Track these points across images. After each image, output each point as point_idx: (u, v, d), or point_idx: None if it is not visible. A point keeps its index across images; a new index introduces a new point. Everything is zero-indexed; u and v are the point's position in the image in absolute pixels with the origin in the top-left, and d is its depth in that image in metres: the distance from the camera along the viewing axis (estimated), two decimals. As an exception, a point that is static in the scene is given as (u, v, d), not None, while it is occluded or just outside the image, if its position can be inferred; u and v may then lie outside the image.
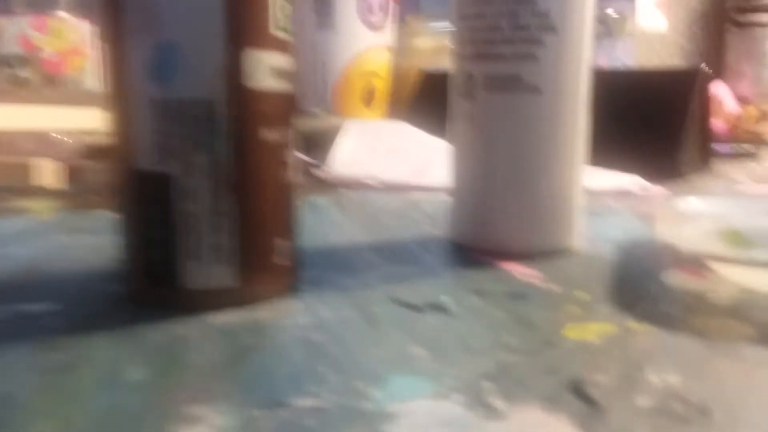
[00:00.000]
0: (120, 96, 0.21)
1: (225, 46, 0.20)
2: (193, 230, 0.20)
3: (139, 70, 0.20)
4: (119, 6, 0.20)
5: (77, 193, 0.45)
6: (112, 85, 0.21)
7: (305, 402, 0.15)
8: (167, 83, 0.20)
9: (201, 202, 0.20)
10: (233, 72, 0.20)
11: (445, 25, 0.84)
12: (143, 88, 0.20)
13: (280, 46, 0.21)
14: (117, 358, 0.17)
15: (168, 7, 0.20)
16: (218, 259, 0.21)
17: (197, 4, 0.20)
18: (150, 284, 0.21)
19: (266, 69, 0.21)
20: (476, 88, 0.28)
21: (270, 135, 0.21)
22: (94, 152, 0.60)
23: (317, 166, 0.50)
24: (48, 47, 0.73)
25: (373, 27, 0.80)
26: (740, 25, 1.50)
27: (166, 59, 0.20)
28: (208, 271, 0.21)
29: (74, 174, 0.52)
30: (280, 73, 0.22)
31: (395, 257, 0.28)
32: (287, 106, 0.22)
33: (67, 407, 0.15)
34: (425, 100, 0.70)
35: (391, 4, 0.82)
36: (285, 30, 0.22)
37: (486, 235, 0.29)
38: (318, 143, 0.56)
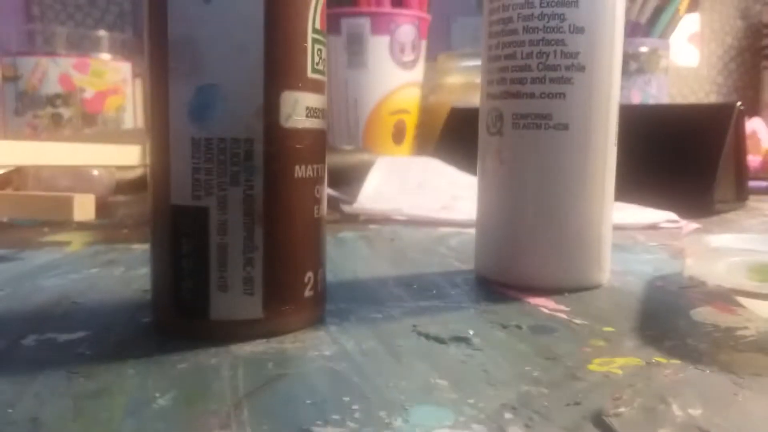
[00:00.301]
0: (160, 134, 0.21)
1: (264, 89, 0.21)
2: (224, 263, 0.21)
3: (181, 110, 0.21)
4: (163, 50, 0.21)
5: (109, 226, 0.46)
6: (153, 123, 0.22)
7: (328, 430, 0.15)
8: (208, 123, 0.21)
9: (234, 236, 0.21)
10: (271, 113, 0.21)
11: (474, 63, 0.85)
12: (184, 127, 0.21)
13: (316, 87, 0.22)
14: (145, 386, 0.18)
15: (211, 53, 0.20)
16: (248, 291, 0.21)
17: (239, 50, 0.20)
18: (179, 315, 0.21)
19: (302, 109, 0.22)
20: (505, 126, 0.29)
21: (303, 171, 0.22)
22: (127, 187, 0.61)
23: (347, 202, 0.51)
24: (89, 87, 0.75)
25: (404, 66, 0.81)
26: (776, 61, 1.48)
27: (208, 101, 0.21)
28: (237, 303, 0.21)
29: (108, 208, 0.54)
30: (315, 112, 0.22)
31: (421, 291, 0.28)
32: (320, 144, 0.23)
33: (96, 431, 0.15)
34: (454, 135, 0.70)
35: (423, 43, 0.83)
36: (320, 72, 0.22)
37: (513, 271, 0.29)
38: (348, 179, 0.56)
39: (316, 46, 0.22)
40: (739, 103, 0.57)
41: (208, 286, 0.21)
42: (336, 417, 0.16)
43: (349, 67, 0.79)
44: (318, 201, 0.23)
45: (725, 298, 0.26)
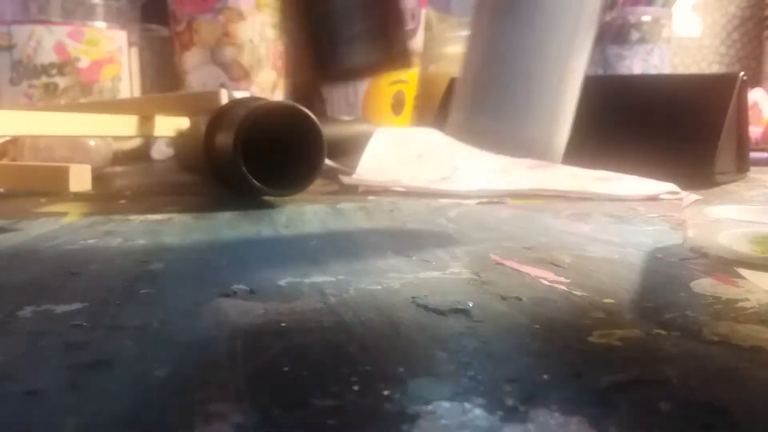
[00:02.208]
0: None
1: None
2: (346, 24, 0.29)
3: None
4: None
5: (107, 197, 0.45)
6: None
7: (327, 402, 0.15)
8: None
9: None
10: None
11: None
12: None
13: None
14: (143, 357, 0.18)
15: None
16: (365, 43, 0.29)
17: None
18: (319, 66, 0.30)
19: None
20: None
21: None
22: (124, 157, 0.61)
23: (345, 173, 0.51)
24: (84, 56, 0.74)
25: (403, 35, 0.80)
26: (779, 31, 1.47)
27: None
28: (358, 52, 0.29)
29: (105, 179, 0.53)
30: None
31: (420, 262, 0.28)
32: None
33: (93, 403, 0.15)
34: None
35: (422, 12, 0.82)
36: None
37: (480, 127, 0.30)
38: (347, 150, 0.56)
39: None
40: (742, 74, 0.56)
41: (337, 42, 0.30)
42: (335, 389, 0.16)
43: (348, 37, 0.78)
44: None
45: (726, 269, 0.26)
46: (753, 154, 0.62)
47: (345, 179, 0.50)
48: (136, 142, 0.63)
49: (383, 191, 0.49)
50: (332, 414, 0.15)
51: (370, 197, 0.46)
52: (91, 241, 0.32)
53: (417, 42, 0.82)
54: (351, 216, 0.39)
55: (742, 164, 0.59)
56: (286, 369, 0.17)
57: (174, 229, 0.35)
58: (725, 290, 0.24)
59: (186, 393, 0.16)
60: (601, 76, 0.85)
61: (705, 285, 0.25)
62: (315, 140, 0.42)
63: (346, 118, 0.73)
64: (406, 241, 0.32)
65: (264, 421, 0.14)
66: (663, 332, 0.20)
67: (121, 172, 0.59)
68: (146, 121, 0.47)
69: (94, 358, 0.18)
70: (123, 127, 0.45)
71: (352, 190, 0.49)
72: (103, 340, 0.19)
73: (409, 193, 0.48)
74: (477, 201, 0.43)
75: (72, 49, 0.73)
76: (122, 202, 0.44)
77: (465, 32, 0.85)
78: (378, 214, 0.40)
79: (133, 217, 0.38)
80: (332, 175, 0.51)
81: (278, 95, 0.82)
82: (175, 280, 0.25)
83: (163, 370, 0.17)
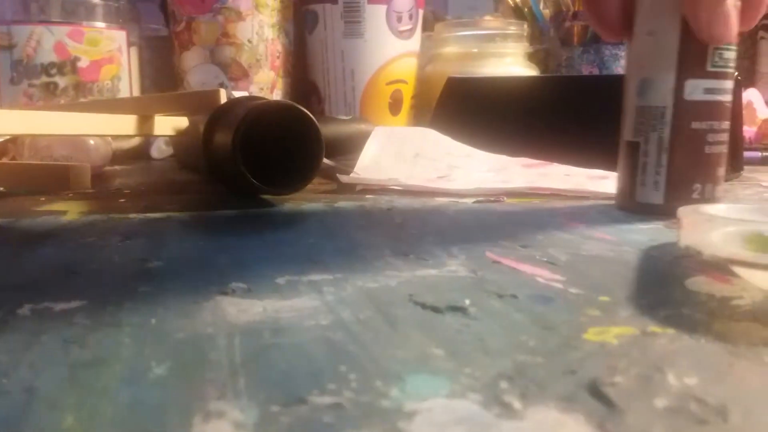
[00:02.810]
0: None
1: (676, 77, 0.36)
2: (645, 172, 0.37)
3: (633, 90, 0.37)
4: None
5: (106, 196, 0.46)
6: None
7: (324, 399, 0.15)
8: (644, 98, 0.37)
9: (652, 158, 0.37)
10: (679, 91, 0.36)
11: (471, 33, 0.84)
12: (633, 100, 0.37)
13: (714, 75, 0.36)
14: (141, 355, 0.18)
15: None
16: (657, 188, 0.37)
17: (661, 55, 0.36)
18: (620, 198, 0.39)
19: (701, 89, 0.36)
20: None
21: (698, 125, 0.36)
22: (124, 156, 0.61)
23: (343, 172, 0.51)
24: (84, 56, 0.74)
25: (401, 36, 0.80)
26: (775, 31, 1.46)
27: (645, 86, 0.37)
28: (650, 193, 0.37)
29: (104, 178, 0.54)
30: (710, 91, 0.36)
31: (417, 260, 0.28)
32: (713, 110, 0.36)
33: (92, 401, 0.15)
34: (451, 106, 0.70)
35: (420, 13, 0.82)
36: (722, 66, 0.36)
37: None
38: (345, 149, 0.56)
39: (717, 51, 0.36)
40: (736, 74, 0.56)
41: (636, 183, 0.38)
42: (332, 386, 0.16)
43: (345, 37, 0.79)
44: (708, 143, 0.37)
45: (721, 267, 0.26)
46: (747, 154, 0.62)
47: (343, 178, 0.50)
48: (135, 141, 0.63)
49: (381, 190, 0.49)
50: (330, 411, 0.15)
51: (368, 196, 0.47)
52: (90, 239, 0.32)
53: (415, 42, 0.82)
54: (349, 214, 0.39)
55: (736, 163, 0.59)
56: (284, 366, 0.17)
57: (173, 227, 0.35)
58: (720, 288, 0.24)
59: (185, 390, 0.16)
60: (598, 76, 0.85)
61: (700, 283, 0.25)
62: (313, 139, 0.42)
63: (344, 117, 0.73)
64: (403, 240, 0.32)
65: (262, 419, 0.14)
66: (658, 330, 0.20)
67: (120, 170, 0.59)
68: (146, 120, 0.47)
69: (92, 356, 0.18)
70: (122, 127, 0.45)
71: (349, 189, 0.49)
72: (101, 337, 0.19)
73: (407, 192, 0.48)
74: (473, 200, 0.44)
75: (72, 49, 0.73)
76: (122, 200, 0.44)
77: (461, 33, 0.86)
78: (375, 213, 0.40)
79: (132, 215, 0.38)
80: (330, 174, 0.51)
81: (277, 95, 0.82)
82: (174, 278, 0.26)
83: (161, 367, 0.17)
